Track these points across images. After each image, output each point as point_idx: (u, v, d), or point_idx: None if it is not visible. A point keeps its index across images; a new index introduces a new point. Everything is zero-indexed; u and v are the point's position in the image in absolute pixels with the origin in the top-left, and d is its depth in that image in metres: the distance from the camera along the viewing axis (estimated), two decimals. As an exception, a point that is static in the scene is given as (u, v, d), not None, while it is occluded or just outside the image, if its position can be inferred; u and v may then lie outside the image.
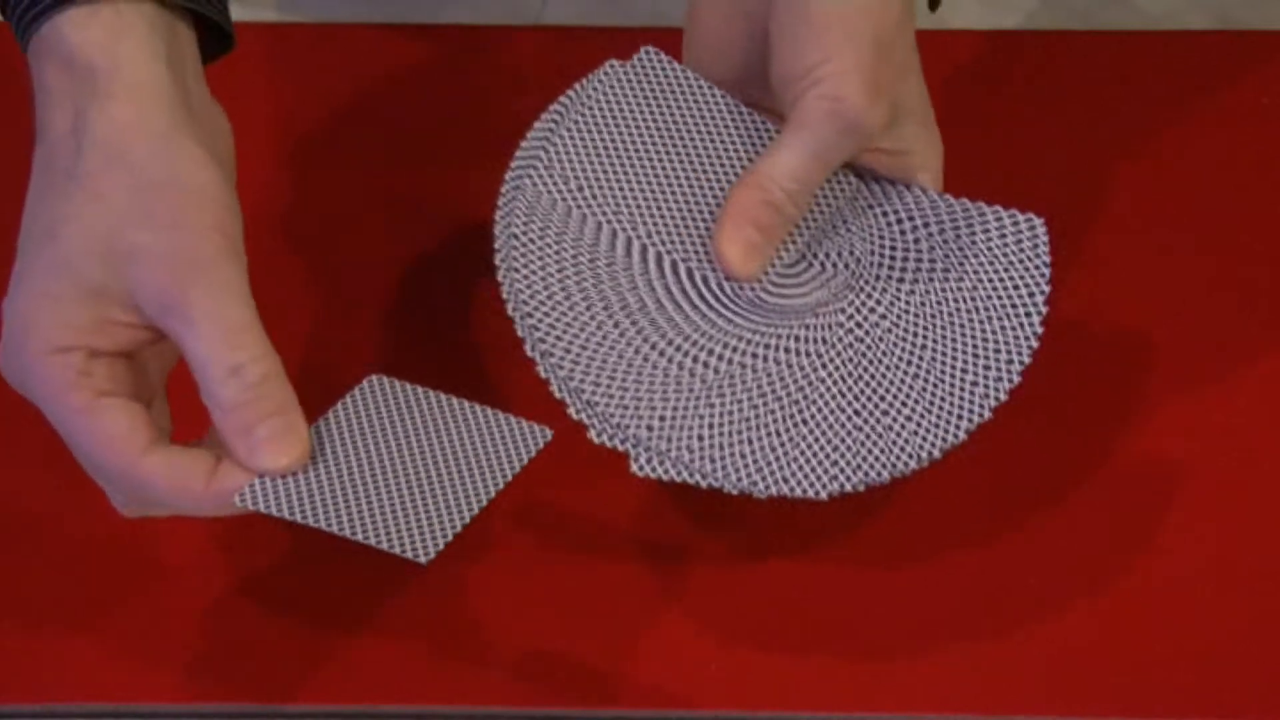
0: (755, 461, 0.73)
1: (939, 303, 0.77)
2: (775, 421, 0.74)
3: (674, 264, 0.76)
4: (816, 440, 0.74)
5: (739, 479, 0.73)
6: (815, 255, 0.77)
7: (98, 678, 0.81)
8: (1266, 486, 0.85)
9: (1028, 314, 0.77)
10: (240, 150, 0.77)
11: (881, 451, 0.74)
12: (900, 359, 0.76)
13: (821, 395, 0.74)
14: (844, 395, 0.74)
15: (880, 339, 0.76)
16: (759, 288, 0.76)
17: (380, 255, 0.92)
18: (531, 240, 0.75)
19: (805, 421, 0.74)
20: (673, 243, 0.76)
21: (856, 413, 0.74)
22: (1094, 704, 0.80)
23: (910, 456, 0.74)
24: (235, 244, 0.71)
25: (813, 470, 0.74)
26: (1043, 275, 0.77)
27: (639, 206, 0.76)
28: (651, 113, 0.78)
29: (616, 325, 0.74)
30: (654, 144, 0.78)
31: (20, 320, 0.70)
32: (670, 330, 0.75)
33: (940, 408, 0.75)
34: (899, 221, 0.78)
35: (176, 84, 0.72)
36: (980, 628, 0.82)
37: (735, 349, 0.75)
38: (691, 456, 0.73)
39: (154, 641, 0.81)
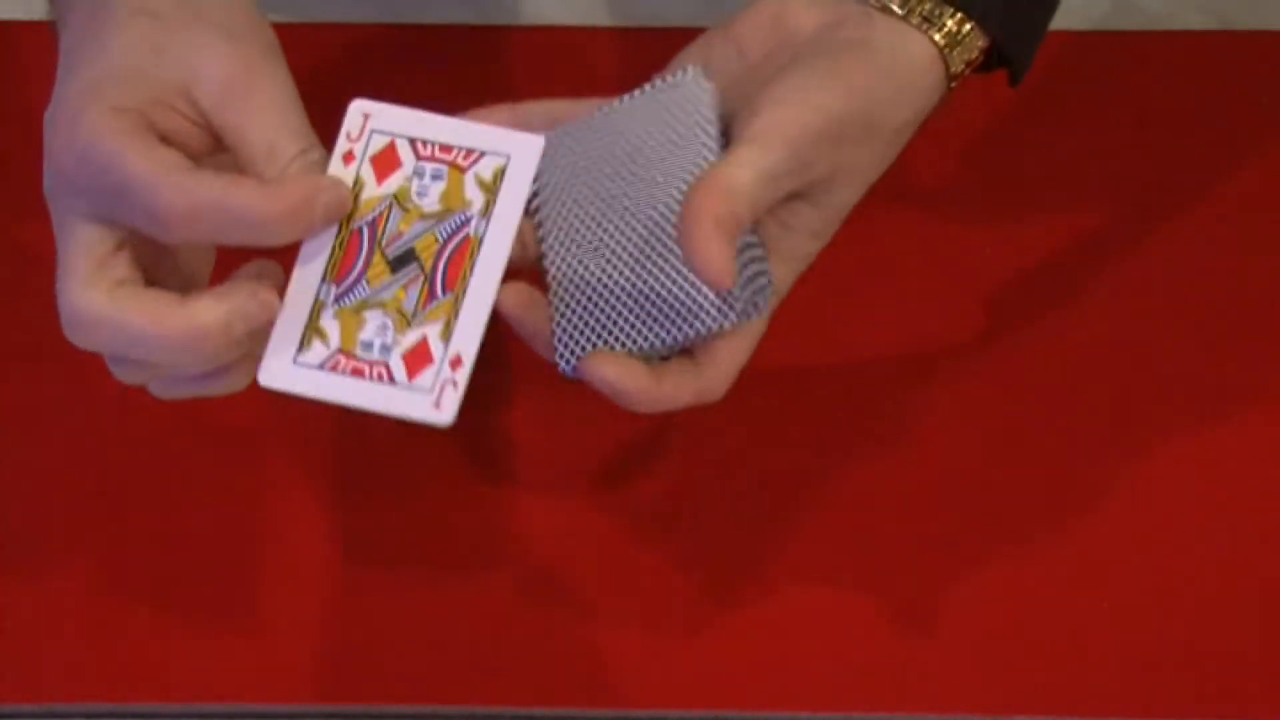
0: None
1: None
2: None
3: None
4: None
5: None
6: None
7: (98, 678, 0.81)
8: (1267, 487, 0.85)
9: None
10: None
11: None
12: None
13: None
14: None
15: None
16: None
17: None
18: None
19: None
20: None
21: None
22: (1094, 704, 0.80)
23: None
24: (283, 59, 0.73)
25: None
26: None
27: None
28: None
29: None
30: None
31: (72, 104, 0.70)
32: None
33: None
34: None
35: None
36: (980, 628, 0.82)
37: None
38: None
39: (154, 641, 0.81)
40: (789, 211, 0.76)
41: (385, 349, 0.72)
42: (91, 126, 0.69)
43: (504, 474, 0.86)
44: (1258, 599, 0.83)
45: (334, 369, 0.72)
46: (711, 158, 0.75)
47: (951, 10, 0.77)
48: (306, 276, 0.72)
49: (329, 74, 0.96)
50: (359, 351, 0.72)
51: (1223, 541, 0.84)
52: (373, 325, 0.72)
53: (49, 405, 0.87)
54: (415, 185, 0.72)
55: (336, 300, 0.72)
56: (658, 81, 0.77)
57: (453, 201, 0.72)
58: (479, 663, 0.81)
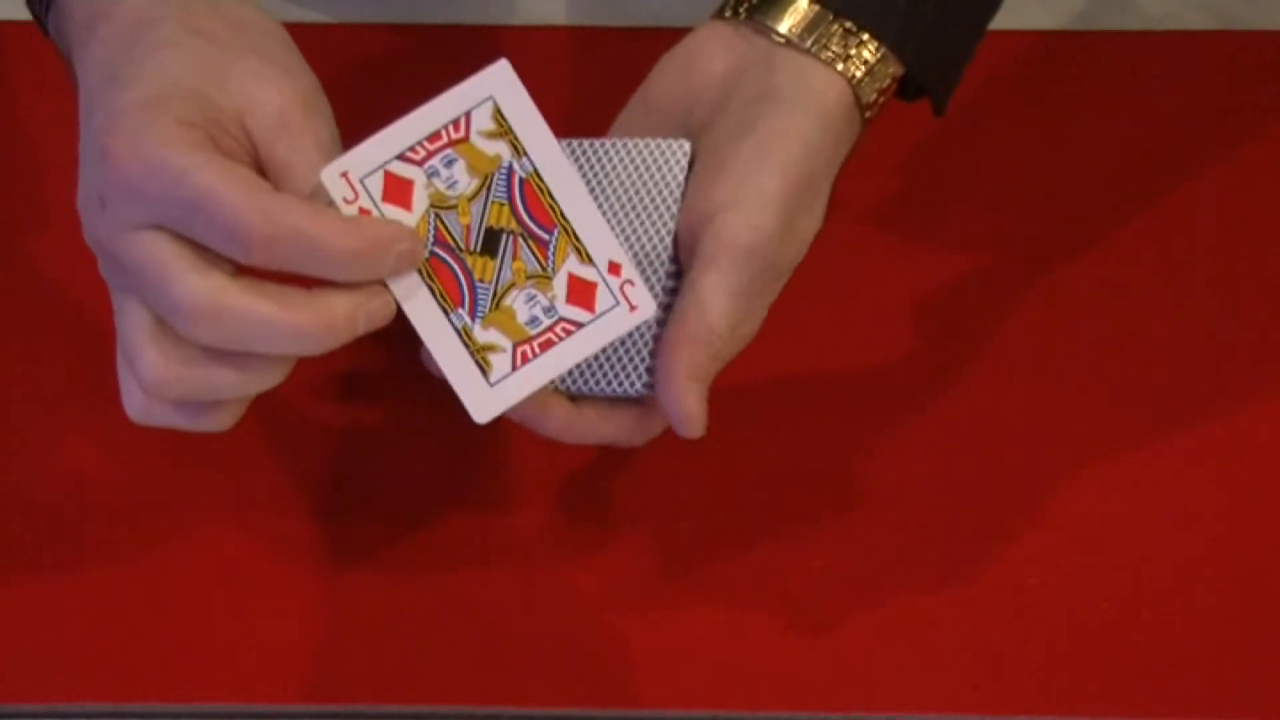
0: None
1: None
2: None
3: None
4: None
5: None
6: None
7: (98, 678, 0.81)
8: (1265, 486, 0.85)
9: None
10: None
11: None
12: None
13: None
14: None
15: None
16: None
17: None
18: None
19: None
20: None
21: None
22: (1094, 704, 0.80)
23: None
24: (326, 97, 0.73)
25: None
26: None
27: None
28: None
29: None
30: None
31: (135, 116, 0.69)
32: None
33: None
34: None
35: None
36: (980, 628, 0.82)
37: None
38: None
39: (154, 641, 0.81)
40: None
41: (549, 310, 0.71)
42: (160, 138, 0.68)
43: (502, 473, 0.86)
44: (1257, 598, 0.82)
45: (525, 360, 0.71)
46: (673, 229, 0.76)
47: (863, 39, 0.76)
48: (432, 324, 0.71)
49: (330, 74, 0.96)
50: (531, 331, 0.71)
51: (1222, 541, 0.84)
52: (523, 305, 0.71)
53: (48, 406, 0.87)
54: (440, 183, 0.71)
55: (474, 316, 0.71)
56: (647, 140, 0.78)
57: (483, 166, 0.71)
58: (479, 663, 0.81)
